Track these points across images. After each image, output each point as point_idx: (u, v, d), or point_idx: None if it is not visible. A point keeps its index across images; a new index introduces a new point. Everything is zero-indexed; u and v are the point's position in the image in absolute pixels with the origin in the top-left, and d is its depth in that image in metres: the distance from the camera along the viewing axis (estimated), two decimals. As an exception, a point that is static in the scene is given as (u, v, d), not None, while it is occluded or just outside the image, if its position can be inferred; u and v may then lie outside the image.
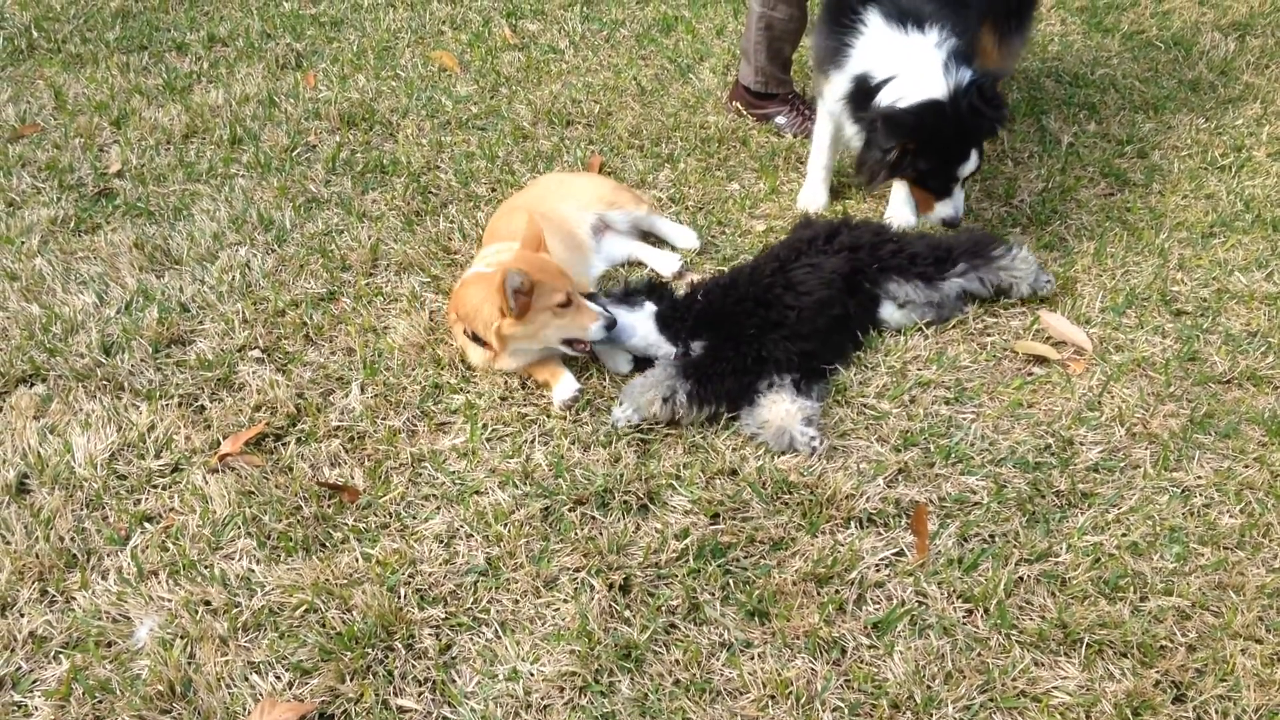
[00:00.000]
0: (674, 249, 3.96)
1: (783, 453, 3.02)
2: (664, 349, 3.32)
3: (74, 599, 2.64)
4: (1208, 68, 5.35)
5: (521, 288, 3.06)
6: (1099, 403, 3.21)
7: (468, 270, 3.41)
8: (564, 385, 3.20)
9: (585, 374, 3.32)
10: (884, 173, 3.60)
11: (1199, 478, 2.96)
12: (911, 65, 3.48)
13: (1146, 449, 3.06)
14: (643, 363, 3.34)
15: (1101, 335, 3.48)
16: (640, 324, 3.33)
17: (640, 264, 3.90)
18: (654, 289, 3.47)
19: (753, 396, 3.13)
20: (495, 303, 3.12)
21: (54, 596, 2.65)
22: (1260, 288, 3.71)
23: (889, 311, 3.48)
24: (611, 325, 3.20)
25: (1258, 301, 3.64)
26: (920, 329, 3.47)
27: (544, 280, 3.14)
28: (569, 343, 3.23)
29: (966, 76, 3.47)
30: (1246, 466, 2.99)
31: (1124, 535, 2.78)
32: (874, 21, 3.56)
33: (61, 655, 2.51)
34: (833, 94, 3.80)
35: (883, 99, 3.49)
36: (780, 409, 3.05)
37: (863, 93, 3.60)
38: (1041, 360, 3.38)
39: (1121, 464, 3.01)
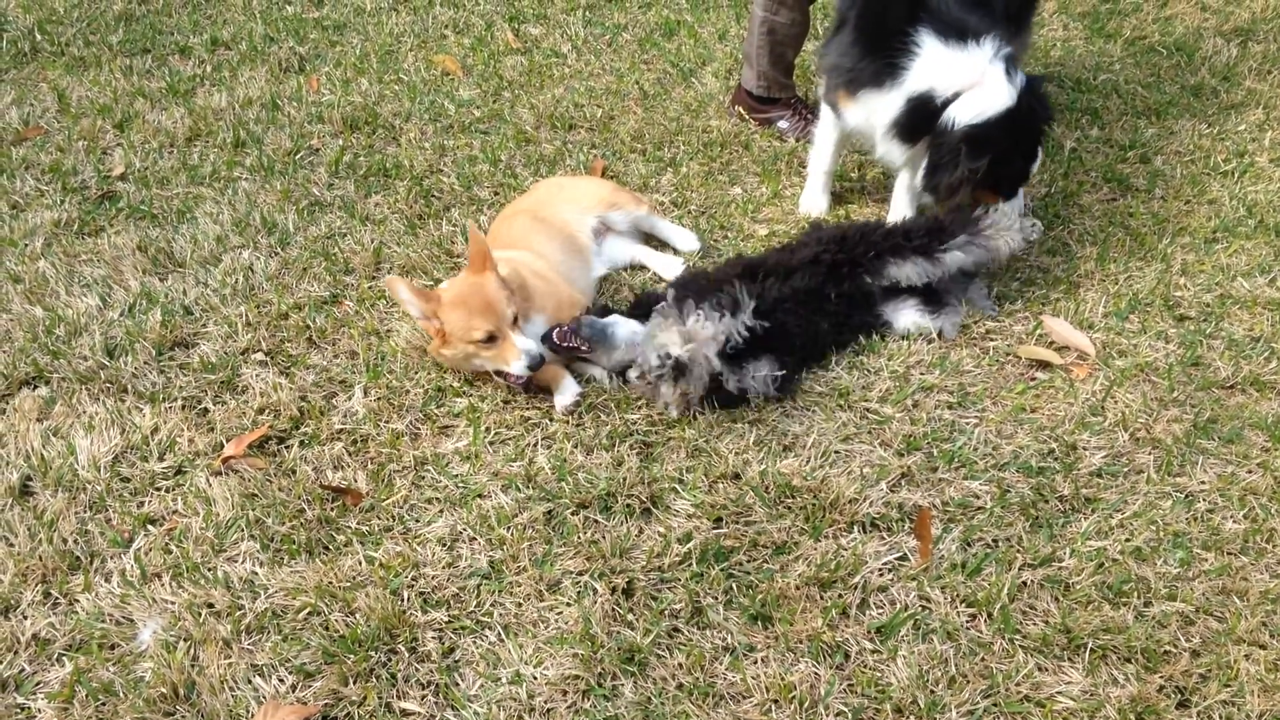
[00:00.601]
0: (676, 252, 3.96)
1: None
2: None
3: (77, 601, 2.63)
4: (1210, 73, 5.36)
5: (425, 315, 3.14)
6: (1102, 408, 3.21)
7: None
8: (566, 391, 3.19)
9: (590, 378, 3.32)
10: (967, 188, 3.59)
11: (1202, 483, 2.96)
12: (978, 79, 3.46)
13: (1150, 454, 3.06)
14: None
15: (1104, 340, 3.48)
16: (627, 327, 3.29)
17: (642, 267, 3.90)
18: (638, 307, 3.45)
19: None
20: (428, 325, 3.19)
21: (57, 599, 2.65)
22: (1263, 293, 3.71)
23: (903, 320, 3.48)
24: (536, 365, 3.12)
25: (1261, 306, 3.64)
26: (923, 335, 3.47)
27: (459, 315, 3.11)
28: (500, 374, 3.22)
29: (1022, 80, 3.50)
30: (1250, 472, 2.99)
31: (1127, 540, 2.78)
32: (928, 41, 3.51)
33: (65, 657, 2.51)
34: (876, 115, 3.72)
35: (957, 117, 3.46)
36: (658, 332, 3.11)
37: (922, 112, 3.55)
38: (1044, 365, 3.38)
39: (1125, 469, 3.01)
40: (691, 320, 3.10)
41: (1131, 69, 5.43)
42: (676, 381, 3.09)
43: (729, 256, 3.79)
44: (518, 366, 3.12)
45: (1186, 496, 2.92)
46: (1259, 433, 3.14)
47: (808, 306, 3.33)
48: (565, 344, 3.20)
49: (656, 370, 3.09)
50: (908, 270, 3.43)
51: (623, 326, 3.27)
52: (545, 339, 3.22)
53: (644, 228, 4.00)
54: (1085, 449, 3.07)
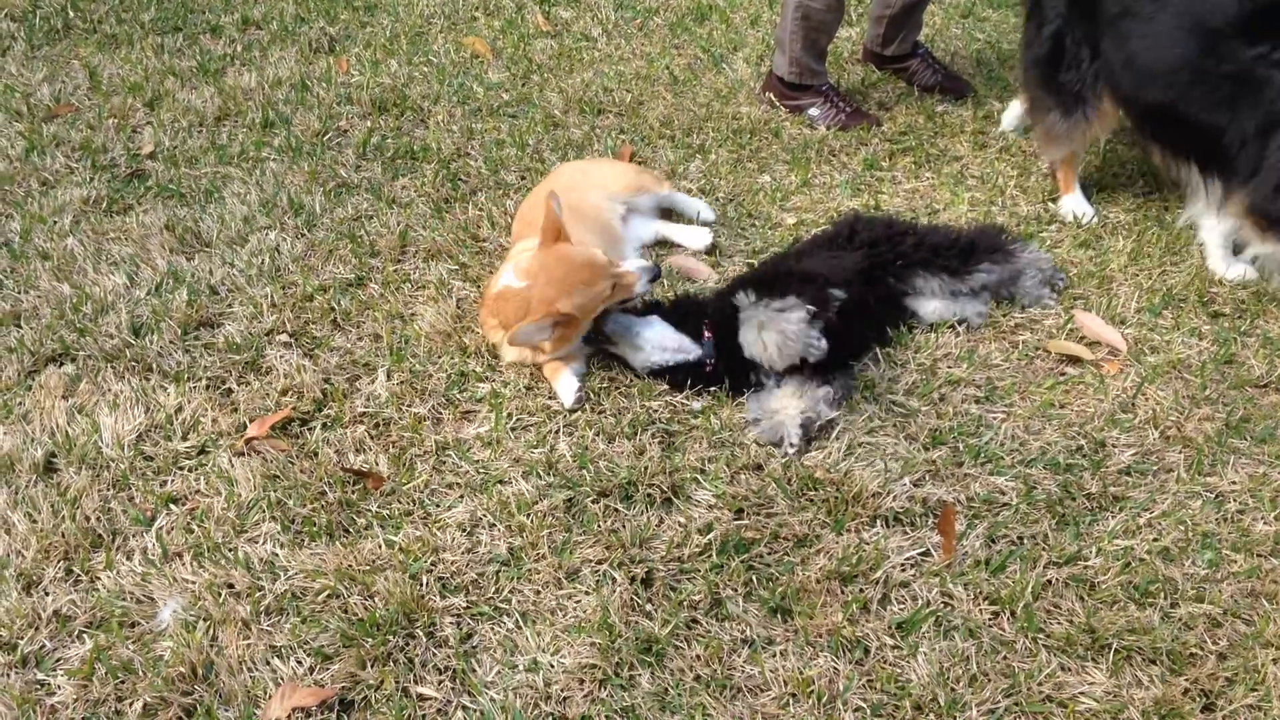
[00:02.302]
0: (695, 222, 4.00)
1: (768, 443, 3.02)
2: (682, 344, 3.22)
3: (99, 579, 2.64)
4: (1251, 65, 5.25)
5: (554, 323, 3.08)
6: (1132, 404, 3.17)
7: (502, 271, 3.35)
8: (565, 386, 3.17)
9: (604, 365, 3.30)
10: None
11: (1233, 483, 2.92)
12: None
13: (1180, 453, 3.01)
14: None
15: (1136, 336, 3.43)
16: (654, 328, 3.25)
17: (669, 242, 3.88)
18: (656, 306, 3.41)
19: (764, 382, 3.13)
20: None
21: (79, 576, 2.66)
22: (1300, 291, 3.64)
23: (926, 308, 3.44)
24: (656, 275, 3.25)
25: (1297, 305, 3.58)
26: (952, 326, 3.43)
27: (581, 290, 3.10)
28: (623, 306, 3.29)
29: None
30: (1282, 473, 2.95)
31: (1155, 540, 2.74)
32: None
33: (85, 635, 2.52)
34: None
35: None
36: (786, 403, 3.03)
37: None
38: (1075, 360, 3.33)
39: (1154, 467, 2.97)
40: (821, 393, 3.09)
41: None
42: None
43: (772, 255, 3.73)
44: (642, 285, 3.23)
45: (1217, 497, 2.88)
46: (1293, 433, 3.08)
47: (854, 316, 3.27)
48: (592, 333, 3.22)
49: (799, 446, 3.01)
50: (934, 285, 3.44)
51: (654, 329, 3.23)
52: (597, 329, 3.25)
53: (664, 204, 4.00)
54: (1114, 446, 3.03)
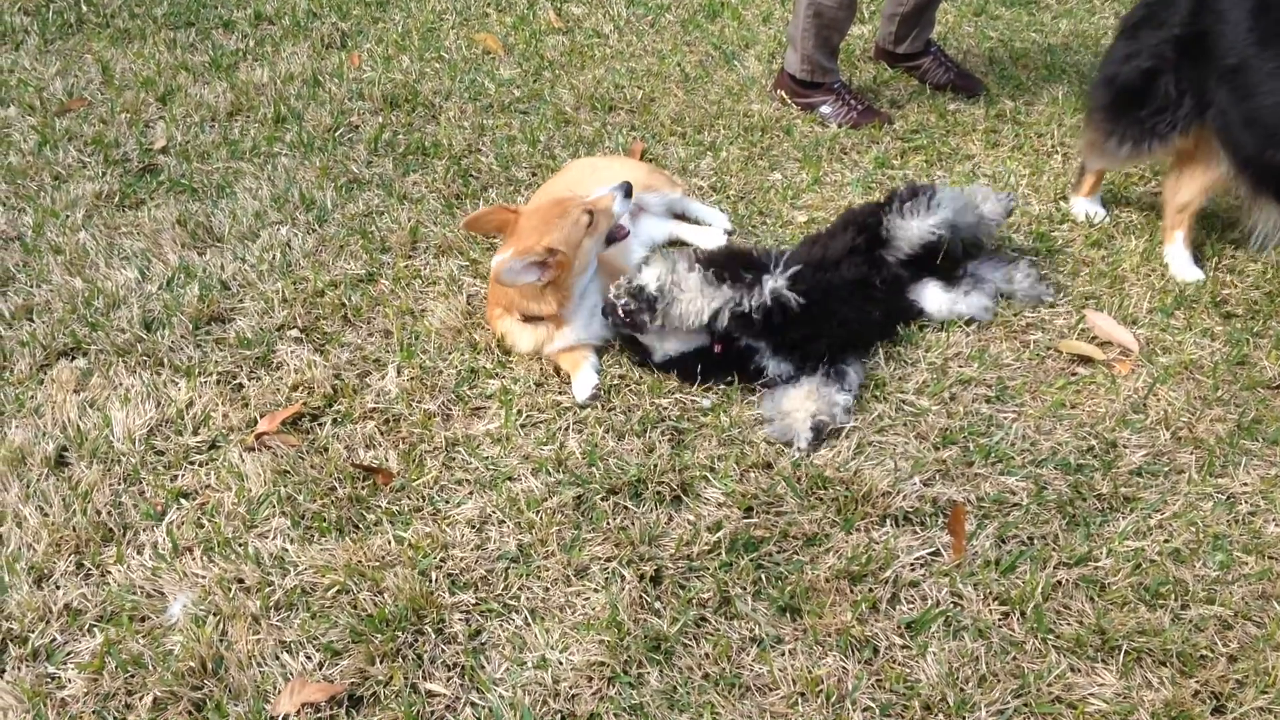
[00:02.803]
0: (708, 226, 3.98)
1: (779, 442, 3.02)
2: (699, 339, 3.24)
3: (109, 573, 2.65)
4: (1265, 65, 5.23)
5: (538, 262, 3.11)
6: (1144, 405, 3.15)
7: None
8: (583, 380, 3.18)
9: (614, 362, 3.30)
10: None
11: (1245, 484, 2.90)
12: None
13: (1191, 454, 3.00)
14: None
15: (1148, 336, 3.42)
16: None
17: (681, 242, 3.88)
18: None
19: (765, 366, 3.17)
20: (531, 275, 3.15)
21: (90, 570, 2.67)
22: (1314, 292, 3.63)
23: (930, 303, 3.44)
24: (628, 192, 3.33)
25: (1311, 306, 3.56)
26: (962, 326, 3.42)
27: (558, 221, 3.18)
28: (609, 241, 3.36)
29: None
30: (1295, 475, 2.93)
31: (1166, 541, 2.73)
32: None
33: (96, 629, 2.53)
34: None
35: None
36: (799, 405, 3.02)
37: None
38: (1086, 360, 3.32)
39: (1165, 468, 2.95)
40: (682, 266, 3.14)
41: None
42: (650, 317, 3.10)
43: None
44: (620, 204, 3.31)
45: (1228, 498, 2.87)
46: (1305, 435, 3.07)
47: (860, 295, 3.32)
48: (623, 313, 3.17)
49: (621, 290, 3.09)
50: (908, 226, 3.45)
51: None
52: (605, 309, 3.23)
53: (677, 210, 3.98)
54: (1125, 447, 3.02)
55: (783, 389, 3.10)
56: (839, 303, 3.25)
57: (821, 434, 2.99)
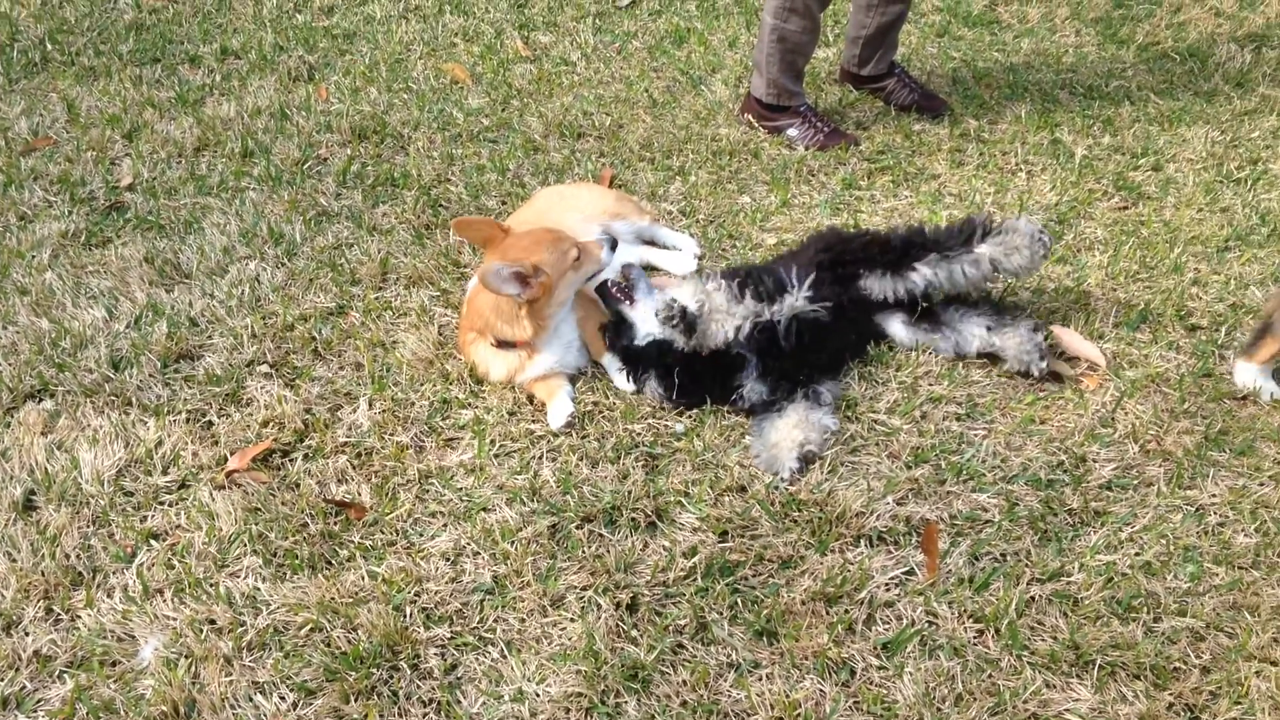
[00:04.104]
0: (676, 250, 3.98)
1: (764, 471, 3.02)
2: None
3: (79, 617, 2.63)
4: (1223, 79, 5.31)
5: (519, 274, 3.11)
6: (1112, 419, 3.18)
7: (468, 287, 3.43)
8: (559, 408, 3.18)
9: (588, 388, 3.31)
10: None
11: (1213, 496, 2.93)
12: None
13: (1160, 466, 3.02)
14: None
15: (1115, 350, 3.45)
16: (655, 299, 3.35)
17: (652, 268, 3.89)
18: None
19: (769, 413, 3.14)
20: (509, 299, 3.16)
21: (59, 615, 2.64)
22: (1276, 302, 3.66)
23: (895, 331, 3.46)
24: (614, 244, 3.38)
25: (1274, 316, 3.60)
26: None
27: (547, 251, 3.19)
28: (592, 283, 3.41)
29: None
30: (1262, 484, 2.96)
31: (1137, 554, 2.75)
32: None
33: (66, 674, 2.50)
34: None
35: None
36: (786, 435, 3.03)
37: None
38: (1054, 376, 3.34)
39: (1135, 482, 2.98)
40: (711, 286, 3.17)
41: (1144, 75, 5.39)
42: (689, 335, 3.14)
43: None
44: (607, 255, 3.37)
45: (1197, 510, 2.89)
46: (1271, 444, 3.10)
47: (836, 322, 3.33)
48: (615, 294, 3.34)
49: (664, 314, 3.10)
50: (873, 284, 3.41)
51: (657, 299, 3.33)
52: (601, 291, 3.39)
53: (646, 237, 3.99)
54: (1095, 461, 3.04)
55: (769, 421, 3.11)
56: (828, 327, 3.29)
57: (809, 464, 3.00)
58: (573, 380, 3.33)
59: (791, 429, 3.04)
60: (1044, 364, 3.27)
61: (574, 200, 3.87)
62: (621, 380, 3.29)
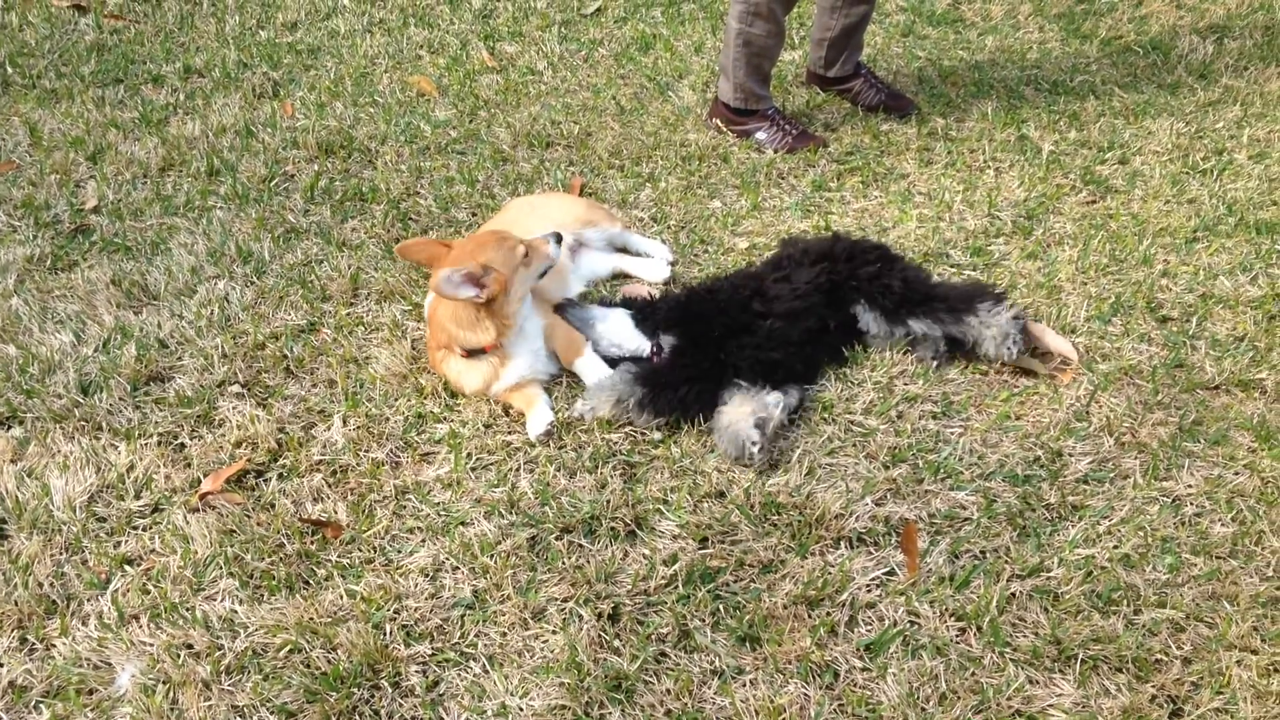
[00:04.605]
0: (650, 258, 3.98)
1: (735, 459, 3.01)
2: (638, 344, 3.37)
3: (54, 646, 2.59)
4: (1186, 71, 5.36)
5: (470, 276, 3.10)
6: (1087, 413, 3.19)
7: (426, 303, 3.44)
8: (538, 417, 3.16)
9: (567, 401, 3.29)
10: None
11: (1189, 486, 2.94)
12: None
13: (1136, 459, 3.04)
14: None
15: (1088, 344, 3.46)
16: (612, 321, 3.41)
17: (625, 276, 3.89)
18: (630, 303, 3.52)
19: (715, 404, 3.15)
20: (466, 306, 3.16)
21: (34, 644, 2.60)
22: (1245, 291, 3.70)
23: (873, 328, 3.46)
24: (558, 238, 3.39)
25: (1243, 305, 3.63)
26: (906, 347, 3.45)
27: (495, 250, 3.20)
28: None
29: None
30: (1236, 474, 2.97)
31: (1115, 547, 2.76)
32: None
33: (42, 704, 2.46)
34: None
35: None
36: (734, 411, 3.04)
37: None
38: (1028, 371, 3.36)
39: (1111, 475, 2.99)
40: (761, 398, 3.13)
41: (1108, 69, 5.43)
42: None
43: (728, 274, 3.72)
44: (554, 249, 3.36)
45: (1174, 501, 2.90)
46: (1244, 433, 3.12)
47: (813, 344, 3.35)
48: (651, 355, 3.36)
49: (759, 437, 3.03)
50: (868, 319, 3.43)
51: (609, 323, 3.40)
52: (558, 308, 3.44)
53: (618, 244, 3.98)
54: (1071, 455, 3.05)
55: (717, 411, 3.12)
56: (796, 359, 3.31)
57: (766, 429, 3.00)
58: (547, 390, 3.31)
59: (739, 407, 3.06)
60: (1014, 353, 3.29)
61: (544, 210, 3.86)
62: (593, 379, 3.28)
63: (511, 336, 3.26)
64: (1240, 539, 2.78)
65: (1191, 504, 2.89)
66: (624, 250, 3.99)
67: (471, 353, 3.23)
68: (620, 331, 3.39)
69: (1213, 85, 5.23)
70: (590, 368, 3.29)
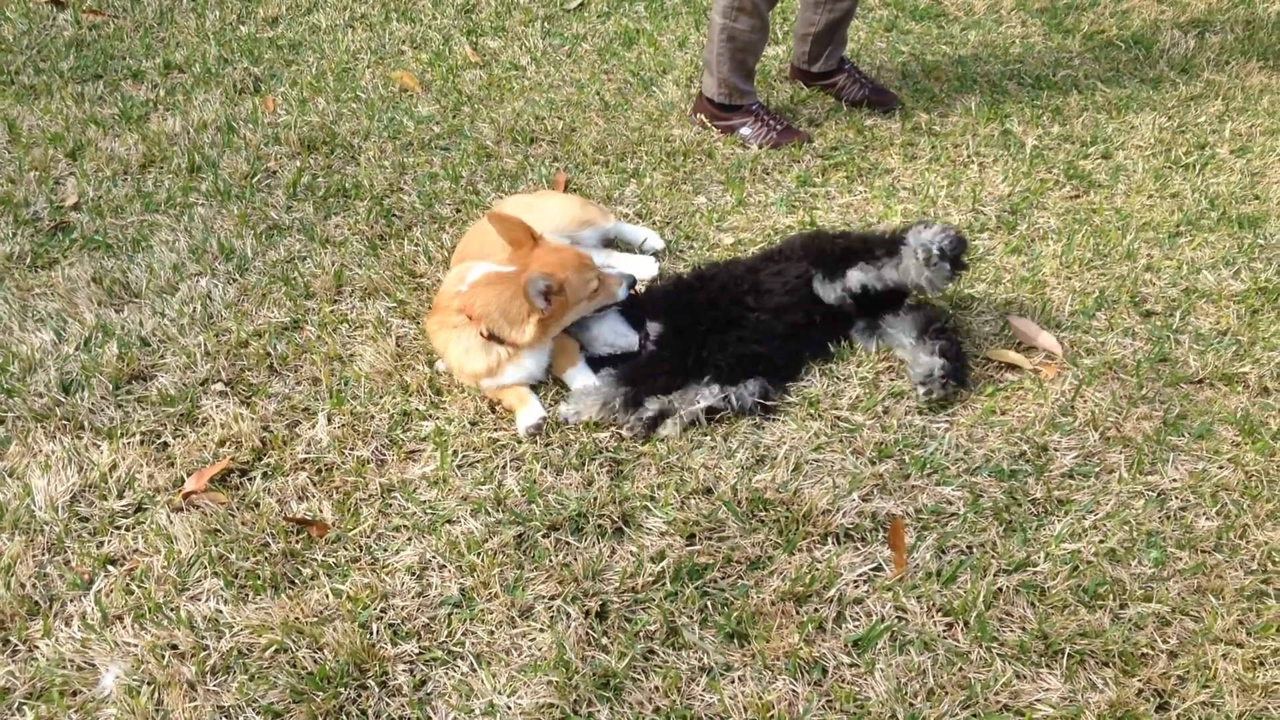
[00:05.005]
0: (643, 253, 3.98)
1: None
2: (630, 340, 3.38)
3: (37, 648, 2.57)
4: (1168, 66, 5.38)
5: (549, 289, 3.11)
6: (1072, 407, 3.20)
7: (447, 285, 3.38)
8: (530, 412, 3.16)
9: (552, 400, 3.28)
10: None
11: (1174, 480, 2.96)
12: None
13: (1121, 453, 3.05)
14: None
15: (1072, 339, 3.48)
16: (606, 323, 3.43)
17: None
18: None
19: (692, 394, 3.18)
20: (523, 303, 3.14)
21: (16, 646, 2.58)
22: (1228, 285, 3.71)
23: (857, 330, 3.47)
24: (633, 283, 3.38)
25: (1226, 299, 3.65)
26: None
27: (575, 274, 3.21)
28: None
29: None
30: (1221, 468, 2.99)
31: (1101, 542, 2.77)
32: None
33: (25, 706, 2.44)
34: None
35: None
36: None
37: None
38: (1013, 366, 3.37)
39: (1096, 469, 3.00)
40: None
41: (1090, 64, 5.44)
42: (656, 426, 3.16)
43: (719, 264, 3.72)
44: (623, 291, 3.35)
45: (1159, 495, 2.92)
46: (1228, 427, 3.13)
47: (796, 338, 3.35)
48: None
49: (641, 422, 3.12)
50: (818, 289, 3.44)
51: (603, 326, 3.41)
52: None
53: (611, 236, 3.98)
54: (1056, 450, 3.06)
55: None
56: (778, 352, 3.33)
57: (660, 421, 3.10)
58: (534, 388, 3.30)
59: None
60: (932, 394, 3.21)
61: (542, 209, 3.83)
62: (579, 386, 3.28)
63: (539, 347, 3.27)
64: (1225, 533, 2.79)
65: (1176, 498, 2.90)
66: (614, 241, 3.99)
67: (493, 337, 3.21)
68: (613, 330, 3.40)
69: (1194, 80, 5.26)
70: (581, 378, 3.28)
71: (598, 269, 3.30)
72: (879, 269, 3.32)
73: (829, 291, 3.38)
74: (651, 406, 3.11)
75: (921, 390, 3.20)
